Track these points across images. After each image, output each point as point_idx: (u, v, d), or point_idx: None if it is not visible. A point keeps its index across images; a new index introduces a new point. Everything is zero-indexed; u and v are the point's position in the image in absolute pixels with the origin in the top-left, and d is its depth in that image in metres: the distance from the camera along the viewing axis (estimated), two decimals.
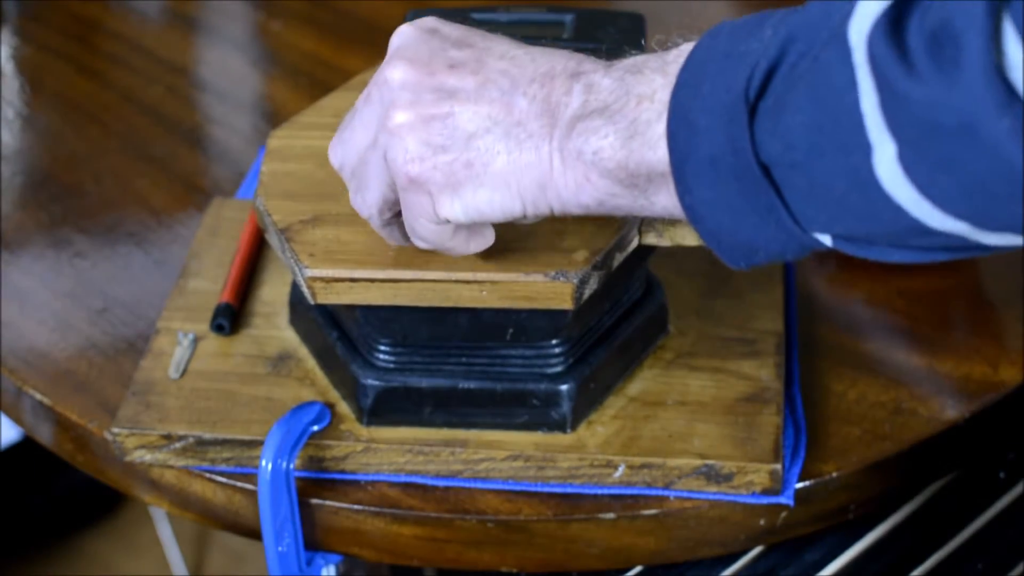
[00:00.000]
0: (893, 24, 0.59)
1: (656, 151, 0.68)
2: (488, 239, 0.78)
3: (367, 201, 0.78)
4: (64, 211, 1.10)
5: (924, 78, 0.58)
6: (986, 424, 0.92)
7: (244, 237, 1.01)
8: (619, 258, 0.84)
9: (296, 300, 0.95)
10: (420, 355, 0.88)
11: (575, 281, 0.81)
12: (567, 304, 0.81)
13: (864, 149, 0.61)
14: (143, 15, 1.37)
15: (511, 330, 0.85)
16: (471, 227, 0.77)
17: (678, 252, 0.88)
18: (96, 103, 1.22)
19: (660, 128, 0.68)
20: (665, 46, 0.71)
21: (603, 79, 0.70)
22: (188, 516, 0.92)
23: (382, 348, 0.88)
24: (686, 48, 0.69)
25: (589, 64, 0.72)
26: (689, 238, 0.85)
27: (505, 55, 0.74)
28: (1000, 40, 0.56)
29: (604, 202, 0.71)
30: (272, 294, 0.98)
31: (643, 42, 0.93)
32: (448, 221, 0.74)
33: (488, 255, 0.82)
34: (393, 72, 0.74)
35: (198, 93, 1.27)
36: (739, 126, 0.64)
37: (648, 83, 0.69)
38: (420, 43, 0.74)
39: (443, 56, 0.74)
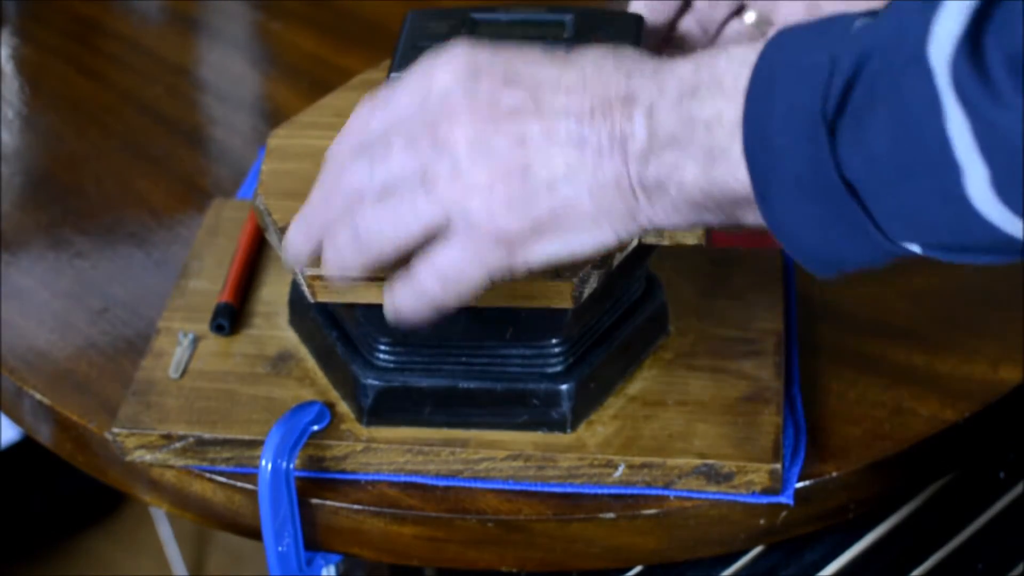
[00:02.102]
0: (973, 47, 0.58)
1: (737, 175, 0.67)
2: None
3: (386, 237, 0.73)
4: (64, 211, 1.10)
5: (1008, 103, 0.57)
6: (986, 424, 0.92)
7: (244, 237, 1.01)
8: (619, 257, 0.84)
9: (296, 300, 0.95)
10: (420, 355, 0.88)
11: (575, 280, 0.81)
12: (567, 303, 0.81)
13: (954, 171, 0.60)
14: (143, 15, 1.37)
15: (511, 329, 0.85)
16: None
17: (678, 252, 0.88)
18: (96, 103, 1.22)
19: (737, 151, 0.66)
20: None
21: (659, 104, 0.68)
22: (188, 516, 0.92)
23: (382, 348, 0.88)
24: (737, 57, 0.67)
25: (637, 80, 0.69)
26: (689, 238, 0.84)
27: (558, 86, 0.71)
28: None
29: (696, 223, 0.71)
30: (272, 294, 0.98)
31: (639, 41, 0.93)
32: (528, 268, 0.73)
33: None
34: (455, 130, 0.70)
35: (198, 93, 1.27)
36: (820, 146, 0.63)
37: (710, 106, 0.67)
38: (470, 95, 0.71)
39: (499, 104, 0.71)
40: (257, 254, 1.01)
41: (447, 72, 0.72)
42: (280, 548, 0.87)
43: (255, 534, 0.89)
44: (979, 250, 0.64)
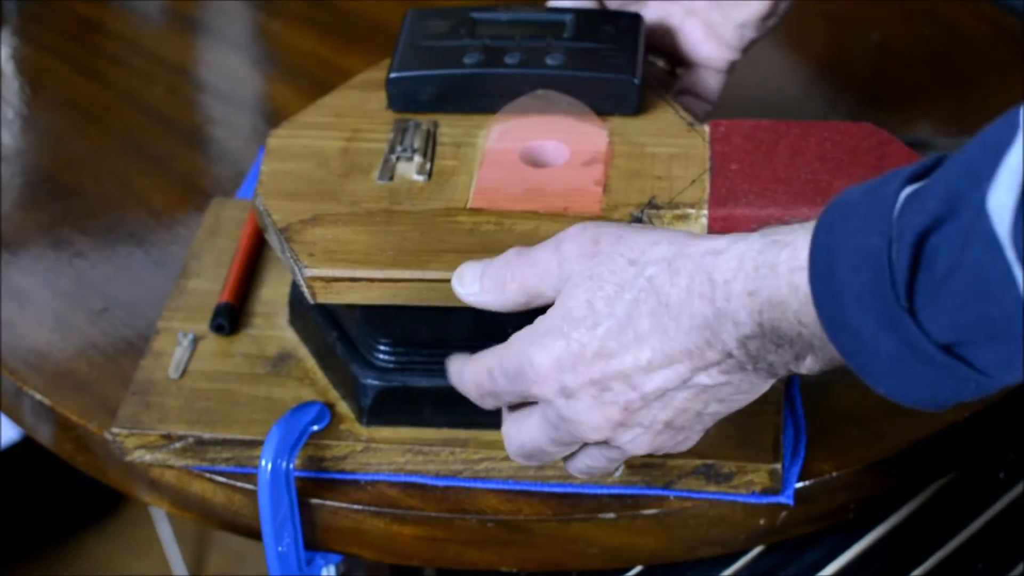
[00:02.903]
0: None
1: (844, 363, 0.69)
2: None
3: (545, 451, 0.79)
4: (64, 211, 1.10)
5: None
6: (986, 424, 0.92)
7: (244, 237, 1.01)
8: None
9: (296, 300, 0.95)
10: (420, 355, 0.88)
11: None
12: None
13: None
14: (143, 15, 1.37)
15: (511, 330, 0.85)
16: None
17: None
18: (96, 103, 1.22)
19: (829, 347, 0.68)
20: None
21: (748, 324, 0.70)
22: (188, 516, 0.92)
23: (382, 348, 0.88)
24: (770, 260, 0.69)
25: (698, 316, 0.71)
26: None
27: (651, 366, 0.73)
28: None
29: None
30: (272, 294, 0.98)
31: (639, 41, 0.93)
32: None
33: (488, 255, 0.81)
34: (593, 433, 0.76)
35: (198, 93, 1.27)
36: (907, 329, 0.64)
37: (789, 313, 0.69)
38: (595, 408, 0.75)
39: (621, 404, 0.74)
40: (257, 254, 1.01)
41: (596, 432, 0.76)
42: (280, 548, 0.87)
43: (255, 534, 0.89)
44: None
